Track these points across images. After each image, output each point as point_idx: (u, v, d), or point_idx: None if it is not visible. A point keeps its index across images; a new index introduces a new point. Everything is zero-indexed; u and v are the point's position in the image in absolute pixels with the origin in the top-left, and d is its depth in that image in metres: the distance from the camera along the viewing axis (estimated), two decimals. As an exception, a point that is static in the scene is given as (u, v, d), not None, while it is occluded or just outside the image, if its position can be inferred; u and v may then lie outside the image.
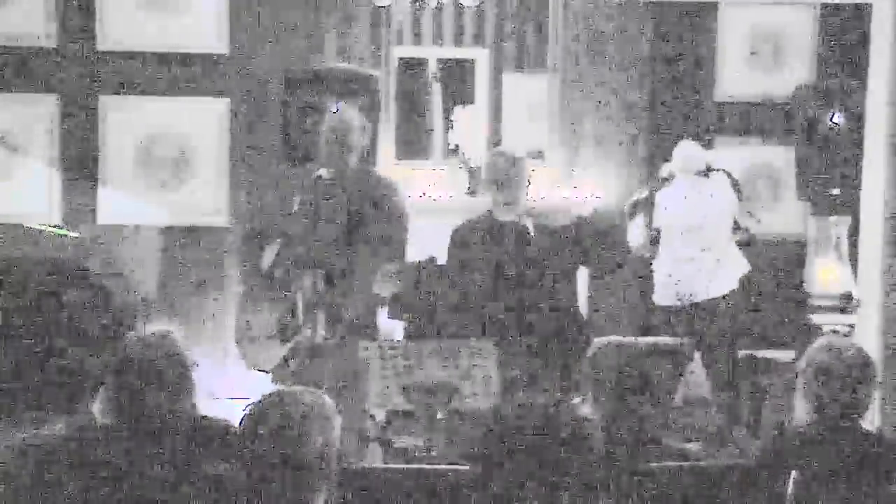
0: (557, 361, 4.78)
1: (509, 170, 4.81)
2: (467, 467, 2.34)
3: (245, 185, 6.66)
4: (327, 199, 4.71)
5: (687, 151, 6.16)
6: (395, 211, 4.74)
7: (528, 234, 4.80)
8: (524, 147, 5.58)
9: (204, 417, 3.06)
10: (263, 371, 4.82)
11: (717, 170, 6.16)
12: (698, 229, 6.03)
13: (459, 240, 4.93)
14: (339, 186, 4.72)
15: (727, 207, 6.11)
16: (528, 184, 4.86)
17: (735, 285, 6.08)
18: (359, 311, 4.71)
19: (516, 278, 4.80)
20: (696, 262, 6.01)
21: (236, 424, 2.54)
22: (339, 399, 4.23)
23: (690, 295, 6.00)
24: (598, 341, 3.33)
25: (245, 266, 4.96)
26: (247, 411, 2.50)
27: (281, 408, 2.47)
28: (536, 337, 4.74)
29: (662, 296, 6.10)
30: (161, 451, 2.91)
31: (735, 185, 6.13)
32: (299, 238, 4.69)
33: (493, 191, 4.85)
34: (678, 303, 6.03)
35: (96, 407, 3.07)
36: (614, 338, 3.35)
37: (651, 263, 6.18)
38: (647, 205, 6.08)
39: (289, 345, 4.68)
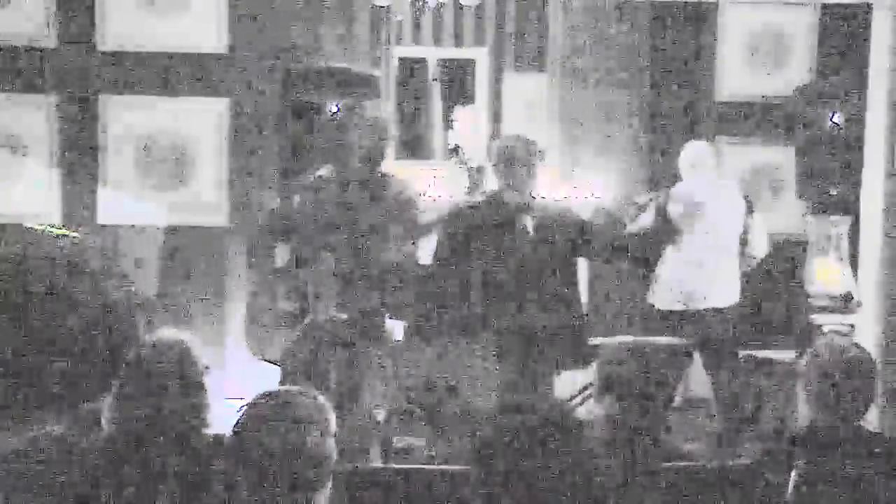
0: (554, 357, 4.77)
1: (520, 152, 4.79)
2: (467, 467, 2.33)
3: (245, 185, 6.66)
4: (333, 198, 4.71)
5: (696, 151, 6.13)
6: (406, 205, 4.75)
7: (528, 233, 4.80)
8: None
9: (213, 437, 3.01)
10: (272, 362, 4.81)
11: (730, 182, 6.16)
12: (706, 231, 5.99)
13: (455, 218, 4.89)
14: (346, 185, 4.72)
15: (737, 214, 6.05)
16: (536, 169, 4.84)
17: (732, 302, 6.03)
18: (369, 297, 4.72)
19: (515, 275, 4.79)
20: (702, 265, 5.96)
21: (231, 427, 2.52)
22: (340, 398, 4.24)
23: (691, 301, 5.95)
24: (607, 341, 3.32)
25: (255, 264, 4.95)
26: (241, 412, 2.50)
27: (275, 408, 2.46)
28: (534, 331, 4.73)
29: (663, 299, 6.04)
30: (166, 461, 2.87)
31: (746, 196, 6.10)
32: (312, 236, 4.69)
33: (501, 172, 4.81)
34: (681, 306, 5.98)
35: (103, 417, 3.02)
36: (624, 338, 3.35)
37: (653, 265, 6.14)
38: (663, 200, 6.02)
39: (297, 331, 4.67)
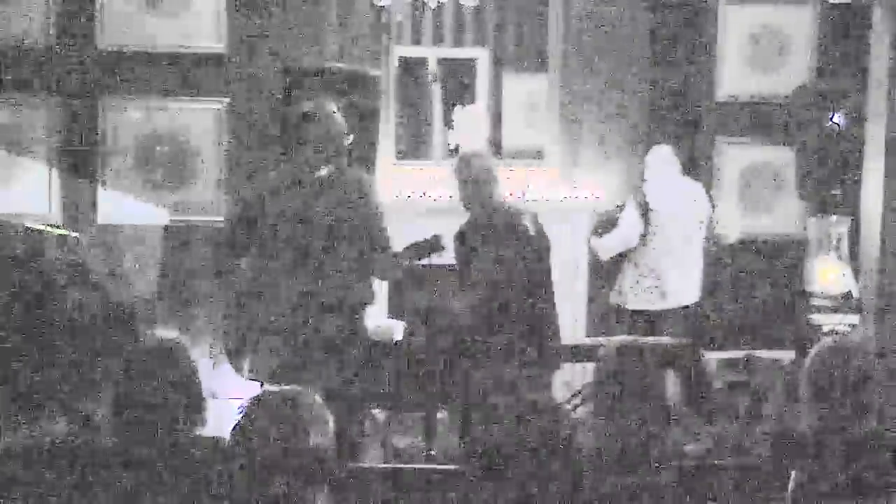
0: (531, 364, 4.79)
1: (475, 171, 4.83)
2: (463, 467, 2.33)
3: (245, 184, 6.65)
4: (312, 200, 4.66)
5: (661, 155, 6.25)
6: (370, 207, 4.70)
7: (529, 234, 4.80)
8: (523, 146, 5.58)
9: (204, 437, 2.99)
10: (256, 380, 4.73)
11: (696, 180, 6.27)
12: (670, 230, 6.11)
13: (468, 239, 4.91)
14: (319, 187, 4.67)
15: (700, 212, 6.21)
16: (492, 182, 4.87)
17: (694, 300, 6.18)
18: (348, 305, 4.67)
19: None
20: (666, 264, 6.10)
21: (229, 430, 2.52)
22: (338, 399, 4.23)
23: (655, 300, 6.10)
24: (609, 341, 3.32)
25: (224, 273, 4.89)
26: (240, 412, 2.49)
27: (274, 409, 2.46)
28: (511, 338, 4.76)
29: (629, 299, 6.18)
30: (162, 465, 2.87)
31: (709, 194, 6.24)
32: (282, 241, 4.61)
33: (462, 190, 4.88)
34: (647, 305, 6.12)
35: (99, 417, 3.02)
36: (625, 338, 3.34)
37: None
38: (640, 196, 6.16)
39: (279, 348, 4.61)
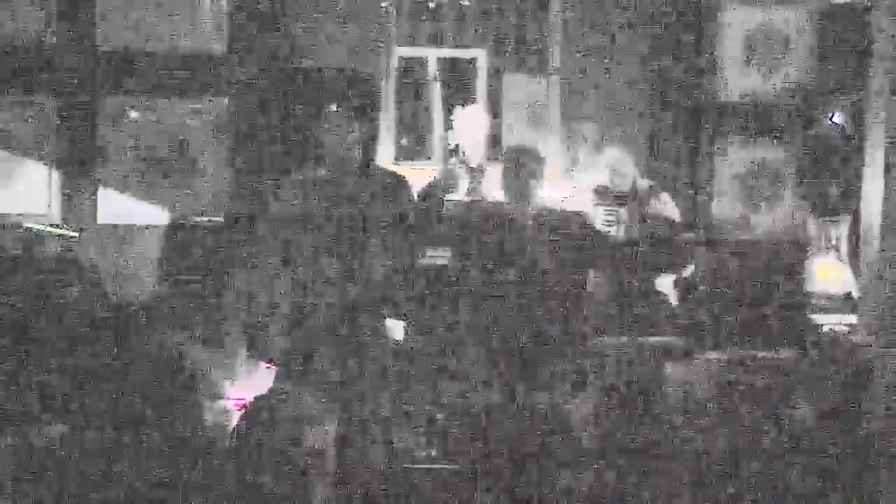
0: (555, 360, 4.77)
1: (528, 163, 4.81)
2: (459, 466, 2.34)
3: (245, 185, 6.66)
4: (330, 199, 4.68)
5: (615, 157, 6.27)
6: (404, 201, 4.72)
7: (530, 238, 4.80)
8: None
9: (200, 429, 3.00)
10: (270, 364, 4.78)
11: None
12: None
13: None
14: (341, 186, 4.69)
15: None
16: (542, 180, 4.88)
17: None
18: (371, 299, 4.69)
19: (516, 279, 4.79)
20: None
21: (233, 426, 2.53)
22: (341, 399, 4.24)
23: None
24: (604, 341, 3.32)
25: (257, 261, 4.91)
26: (242, 412, 2.50)
27: (275, 408, 2.47)
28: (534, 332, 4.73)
29: None
30: (161, 460, 2.88)
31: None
32: (304, 239, 4.64)
33: (509, 183, 4.84)
34: None
35: (100, 417, 3.03)
36: (622, 338, 3.35)
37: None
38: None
39: (297, 333, 4.63)
